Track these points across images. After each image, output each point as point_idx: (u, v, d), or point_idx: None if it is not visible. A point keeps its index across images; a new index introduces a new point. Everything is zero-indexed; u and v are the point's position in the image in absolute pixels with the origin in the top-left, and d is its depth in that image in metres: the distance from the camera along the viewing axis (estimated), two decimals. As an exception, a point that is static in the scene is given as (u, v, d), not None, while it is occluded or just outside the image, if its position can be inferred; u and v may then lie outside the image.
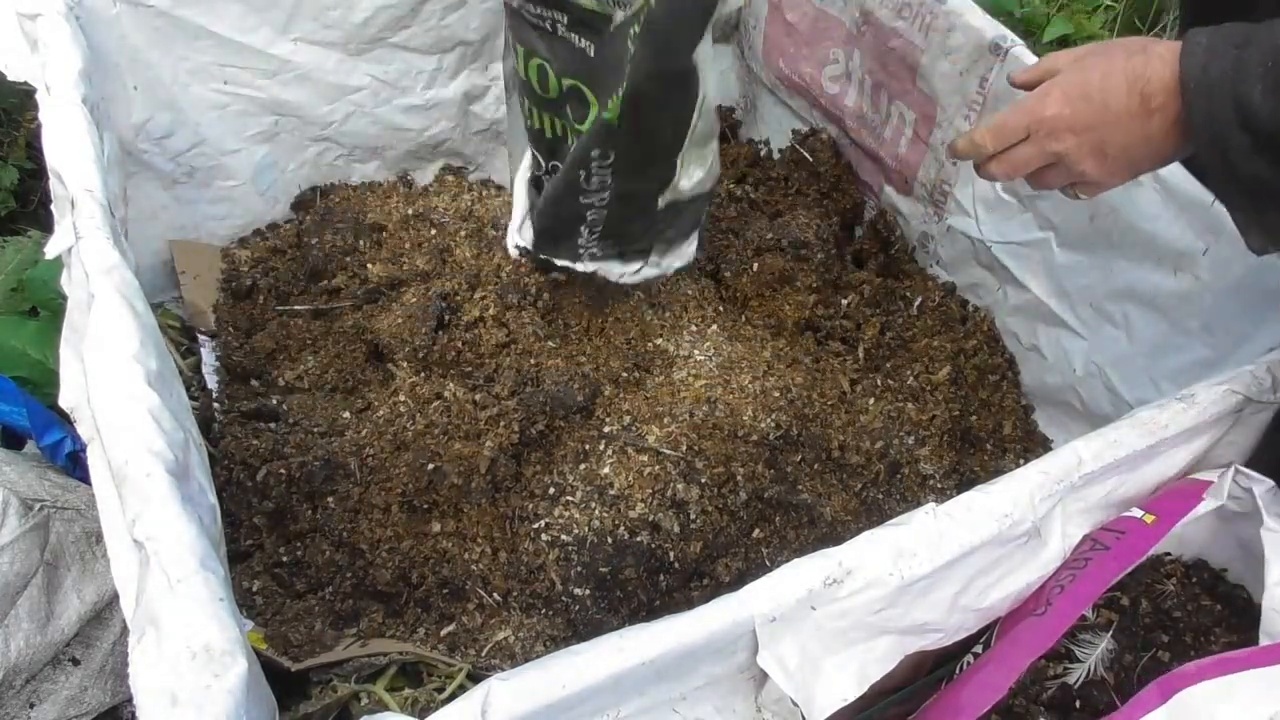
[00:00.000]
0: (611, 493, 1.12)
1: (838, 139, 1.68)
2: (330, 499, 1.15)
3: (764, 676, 0.76)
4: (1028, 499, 0.85)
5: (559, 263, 1.24)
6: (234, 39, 1.43)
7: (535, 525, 1.12)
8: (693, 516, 1.12)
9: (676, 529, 1.10)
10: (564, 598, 1.09)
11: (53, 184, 0.99)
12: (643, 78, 0.99)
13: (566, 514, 1.12)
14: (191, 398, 1.33)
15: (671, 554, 1.10)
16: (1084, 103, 0.84)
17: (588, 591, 1.08)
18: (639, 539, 1.09)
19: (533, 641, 1.08)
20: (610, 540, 1.09)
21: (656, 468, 1.13)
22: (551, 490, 1.14)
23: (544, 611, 1.10)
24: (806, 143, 1.72)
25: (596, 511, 1.11)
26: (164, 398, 0.77)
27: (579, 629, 1.09)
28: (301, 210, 1.62)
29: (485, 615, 1.11)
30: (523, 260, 1.28)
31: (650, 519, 1.10)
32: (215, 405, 1.34)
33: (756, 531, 1.16)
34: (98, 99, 1.13)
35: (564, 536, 1.10)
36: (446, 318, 1.31)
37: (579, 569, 1.08)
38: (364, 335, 1.36)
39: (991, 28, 1.31)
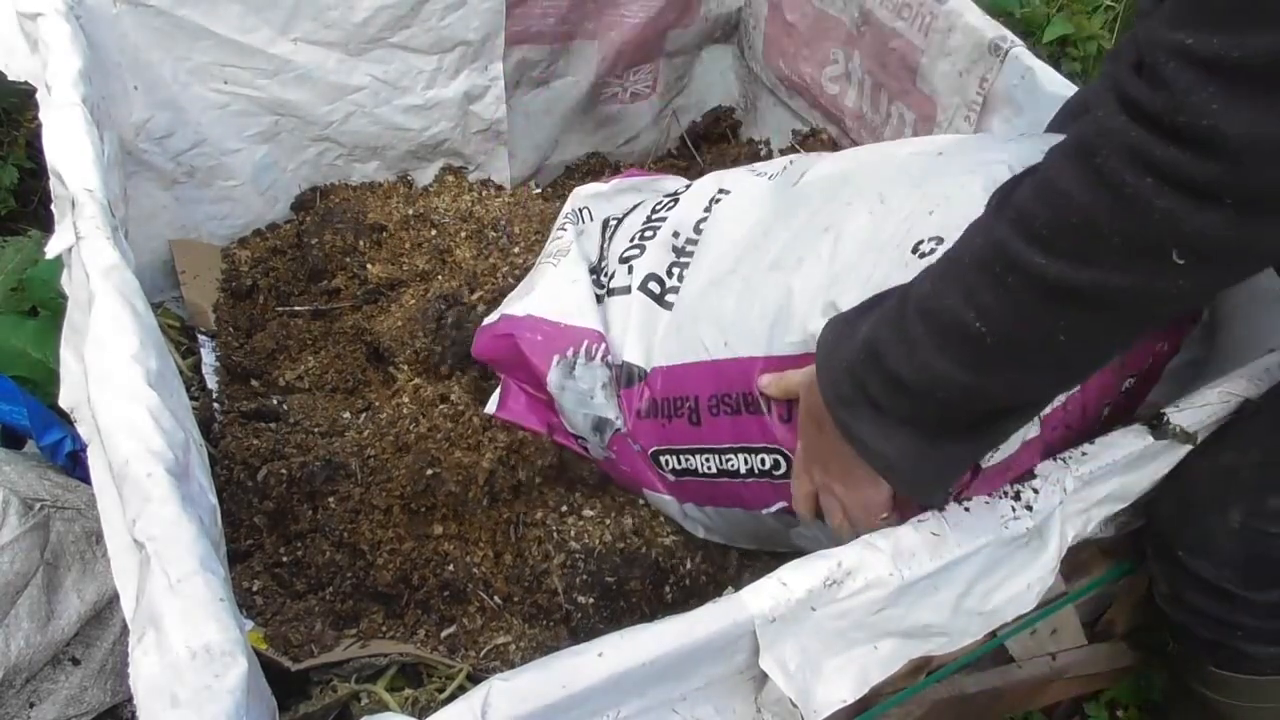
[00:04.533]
0: (620, 499, 1.13)
1: (838, 139, 1.68)
2: (331, 499, 1.15)
3: (764, 677, 0.76)
4: (1025, 501, 0.85)
5: None
6: (234, 39, 1.43)
7: (539, 531, 1.12)
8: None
9: (684, 539, 1.11)
10: (566, 605, 1.09)
11: (53, 184, 0.99)
12: None
13: (576, 523, 1.12)
14: (191, 398, 1.33)
15: (681, 566, 1.10)
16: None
17: (591, 600, 1.08)
18: (646, 551, 1.09)
19: (533, 652, 1.07)
20: (620, 549, 1.08)
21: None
22: (564, 506, 1.15)
23: (544, 622, 1.10)
24: (806, 143, 1.72)
25: (606, 522, 1.11)
26: (164, 398, 0.77)
27: (580, 639, 1.09)
28: (301, 210, 1.62)
29: (486, 618, 1.11)
30: None
31: (660, 529, 1.11)
32: (215, 405, 1.34)
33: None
34: (98, 99, 1.13)
35: (572, 544, 1.10)
36: (447, 318, 1.30)
37: (584, 577, 1.08)
38: (364, 336, 1.36)
39: (991, 28, 1.31)
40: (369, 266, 1.44)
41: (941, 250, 0.82)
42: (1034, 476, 0.87)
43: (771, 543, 1.09)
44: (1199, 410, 0.95)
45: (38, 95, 1.08)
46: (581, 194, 1.33)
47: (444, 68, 1.61)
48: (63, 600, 1.03)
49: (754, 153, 1.89)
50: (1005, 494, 0.85)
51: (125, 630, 0.78)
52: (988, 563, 0.84)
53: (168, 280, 1.55)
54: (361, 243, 1.48)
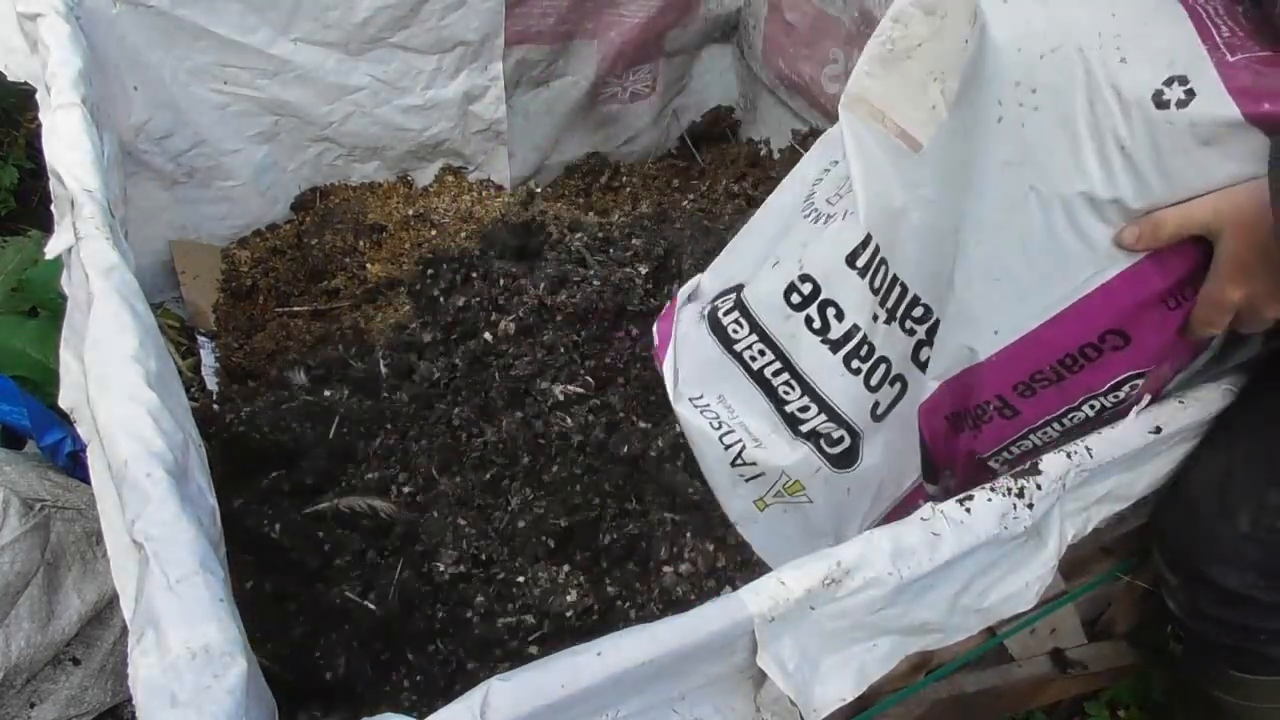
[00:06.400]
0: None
1: (837, 139, 1.68)
2: (330, 499, 1.15)
3: (763, 676, 0.76)
4: (1026, 499, 0.85)
5: None
6: (234, 39, 1.43)
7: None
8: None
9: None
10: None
11: (53, 184, 0.99)
12: None
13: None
14: (191, 398, 1.33)
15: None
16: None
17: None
18: None
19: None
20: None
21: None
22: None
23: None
24: (806, 142, 1.72)
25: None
26: (164, 398, 0.77)
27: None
28: (301, 210, 1.63)
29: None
30: None
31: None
32: (215, 405, 1.34)
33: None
34: (98, 99, 1.13)
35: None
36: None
37: None
38: (364, 337, 1.36)
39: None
40: (369, 266, 1.44)
41: (1194, 91, 0.72)
42: (1039, 471, 0.87)
43: None
44: (1202, 405, 0.95)
45: (38, 95, 1.08)
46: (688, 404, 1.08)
47: (444, 68, 1.61)
48: (63, 600, 1.03)
49: (754, 152, 1.89)
50: (1008, 491, 0.85)
51: (125, 630, 0.78)
52: (986, 560, 0.84)
53: (168, 280, 1.55)
54: (361, 243, 1.48)
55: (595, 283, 1.22)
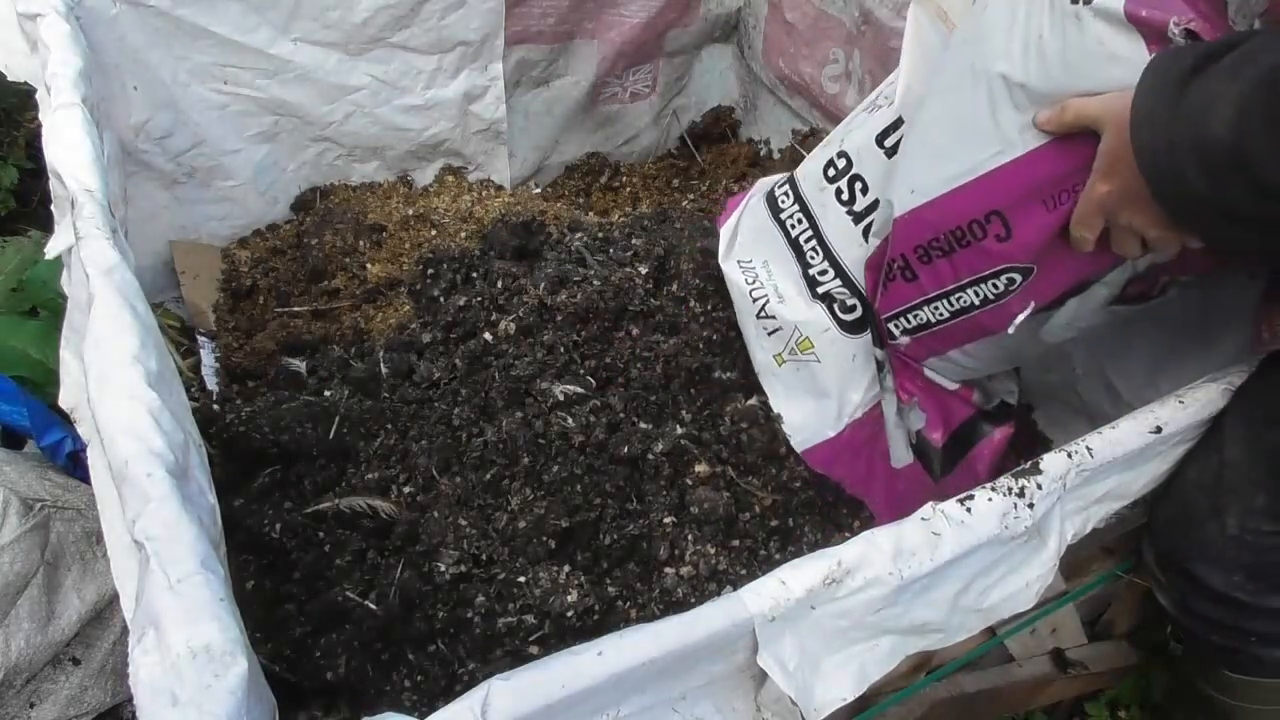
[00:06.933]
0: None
1: (837, 139, 1.68)
2: (330, 499, 1.15)
3: (764, 676, 0.76)
4: (1027, 498, 0.85)
5: None
6: (234, 39, 1.43)
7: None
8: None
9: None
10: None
11: (53, 184, 0.99)
12: None
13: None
14: (191, 398, 1.33)
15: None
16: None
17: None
18: None
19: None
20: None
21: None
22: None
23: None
24: (806, 142, 1.72)
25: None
26: (164, 398, 0.77)
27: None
28: (301, 210, 1.62)
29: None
30: None
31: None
32: (215, 405, 1.34)
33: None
34: (98, 99, 1.13)
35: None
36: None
37: None
38: (364, 337, 1.36)
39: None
40: (369, 266, 1.44)
41: None
42: (1039, 471, 0.87)
43: (1018, 358, 1.11)
44: (1202, 405, 0.95)
45: (38, 95, 1.08)
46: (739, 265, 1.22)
47: (444, 68, 1.61)
48: (63, 600, 1.03)
49: (754, 152, 1.89)
50: (1009, 490, 0.85)
51: (125, 630, 0.78)
52: (986, 560, 0.84)
53: (168, 280, 1.55)
54: (361, 243, 1.48)
55: (595, 283, 1.22)
